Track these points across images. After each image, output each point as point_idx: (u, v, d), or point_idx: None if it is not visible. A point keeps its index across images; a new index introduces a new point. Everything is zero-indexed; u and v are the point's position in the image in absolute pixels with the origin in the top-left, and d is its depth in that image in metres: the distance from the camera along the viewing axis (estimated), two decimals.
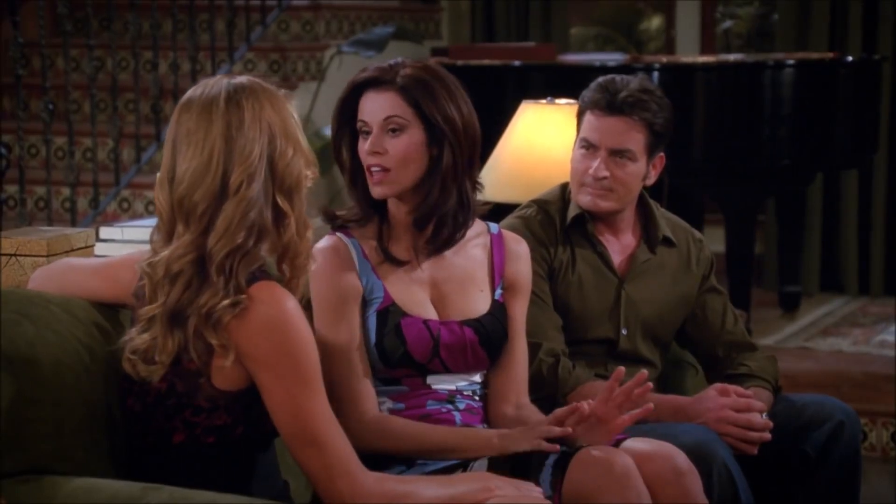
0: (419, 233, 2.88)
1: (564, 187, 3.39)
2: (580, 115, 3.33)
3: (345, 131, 2.89)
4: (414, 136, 2.82)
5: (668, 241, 3.40)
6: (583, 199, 3.30)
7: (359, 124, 2.86)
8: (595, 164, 3.26)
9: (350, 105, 2.87)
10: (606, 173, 3.26)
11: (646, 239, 3.39)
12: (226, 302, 2.39)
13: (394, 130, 2.82)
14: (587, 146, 3.29)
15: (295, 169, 2.47)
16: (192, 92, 2.50)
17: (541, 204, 3.38)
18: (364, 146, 2.84)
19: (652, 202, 3.42)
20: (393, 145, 2.81)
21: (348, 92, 2.87)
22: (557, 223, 3.34)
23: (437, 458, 2.81)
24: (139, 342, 2.44)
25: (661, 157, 3.34)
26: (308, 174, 2.50)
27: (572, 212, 3.34)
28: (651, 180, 3.34)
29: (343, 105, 2.88)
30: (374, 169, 2.83)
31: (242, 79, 2.50)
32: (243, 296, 2.40)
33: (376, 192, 2.85)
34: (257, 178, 2.43)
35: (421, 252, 2.90)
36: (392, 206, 2.89)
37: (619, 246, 3.38)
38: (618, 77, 3.30)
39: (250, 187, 2.42)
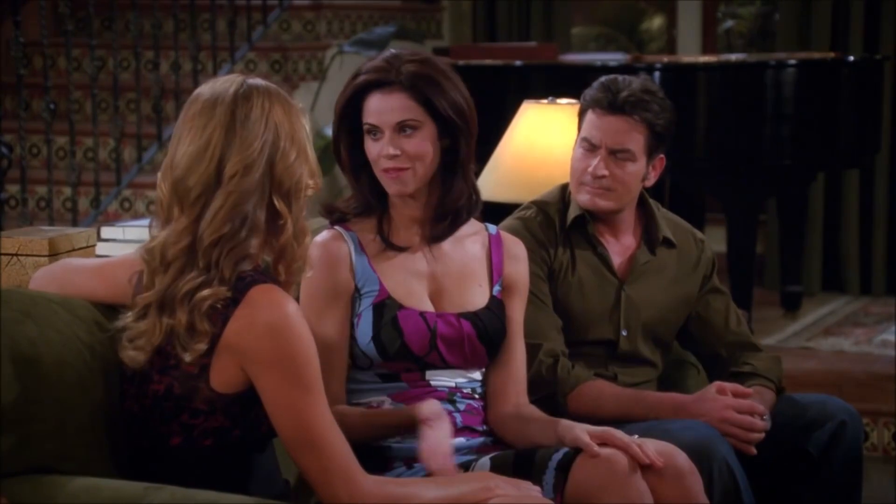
0: (429, 224, 2.89)
1: (564, 188, 3.39)
2: (581, 115, 3.34)
3: (344, 131, 2.89)
4: (427, 134, 2.83)
5: (668, 243, 3.39)
6: (582, 197, 3.31)
7: (366, 126, 2.85)
8: (594, 162, 3.27)
9: (353, 106, 2.87)
10: (605, 172, 3.26)
11: (646, 240, 3.39)
12: (206, 291, 2.39)
13: (406, 130, 2.82)
14: (587, 145, 3.30)
15: (295, 173, 2.47)
16: (202, 87, 2.51)
17: (540, 205, 3.38)
18: (375, 147, 2.84)
19: (653, 203, 3.42)
20: (409, 145, 2.82)
21: (350, 95, 2.86)
22: (557, 224, 3.34)
23: (389, 437, 2.81)
24: (135, 331, 2.45)
25: (661, 159, 3.33)
26: (310, 183, 2.50)
27: (572, 213, 3.34)
28: (650, 181, 3.34)
29: (345, 108, 2.87)
30: (390, 171, 2.83)
31: (260, 80, 2.50)
32: (224, 288, 2.40)
33: (394, 189, 2.85)
34: (254, 171, 2.43)
35: (421, 243, 2.91)
36: (399, 201, 2.89)
37: (620, 247, 3.38)
38: (620, 77, 3.31)
39: (245, 179, 2.42)
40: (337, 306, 2.85)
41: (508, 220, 3.33)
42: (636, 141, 3.26)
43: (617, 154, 3.26)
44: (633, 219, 3.39)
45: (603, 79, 3.31)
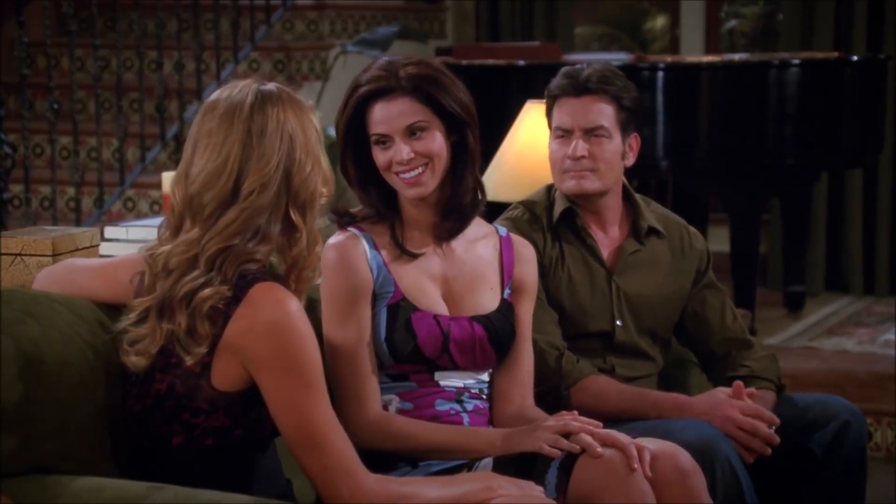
0: (439, 223, 2.89)
1: (550, 188, 3.43)
2: (550, 110, 3.40)
3: (350, 145, 2.88)
4: (436, 133, 2.83)
5: (656, 233, 3.41)
6: (567, 185, 3.33)
7: (373, 137, 2.84)
8: (571, 146, 3.30)
9: (356, 119, 2.86)
10: (584, 152, 3.30)
11: (633, 232, 3.41)
12: (207, 291, 2.39)
13: (416, 133, 2.82)
14: (561, 132, 3.35)
15: (311, 184, 2.47)
16: (219, 93, 2.50)
17: (527, 205, 3.41)
18: (385, 156, 2.83)
19: (641, 197, 3.46)
20: (420, 146, 2.81)
21: (353, 108, 2.85)
22: (544, 221, 3.37)
23: (440, 458, 2.81)
24: (135, 334, 2.45)
25: (635, 137, 3.38)
26: (324, 191, 2.50)
27: (560, 207, 3.36)
28: (630, 161, 3.38)
29: (349, 122, 2.86)
30: (406, 175, 2.82)
31: (271, 86, 2.50)
32: (225, 287, 2.40)
33: (412, 193, 2.84)
34: (271, 187, 2.43)
35: (435, 245, 2.91)
36: (411, 204, 2.89)
37: (608, 240, 3.41)
38: (577, 65, 3.39)
39: (262, 195, 2.43)
40: (361, 306, 2.84)
41: (497, 222, 3.34)
42: (607, 116, 3.31)
43: (592, 133, 3.31)
44: (619, 209, 3.41)
45: (563, 70, 3.38)
